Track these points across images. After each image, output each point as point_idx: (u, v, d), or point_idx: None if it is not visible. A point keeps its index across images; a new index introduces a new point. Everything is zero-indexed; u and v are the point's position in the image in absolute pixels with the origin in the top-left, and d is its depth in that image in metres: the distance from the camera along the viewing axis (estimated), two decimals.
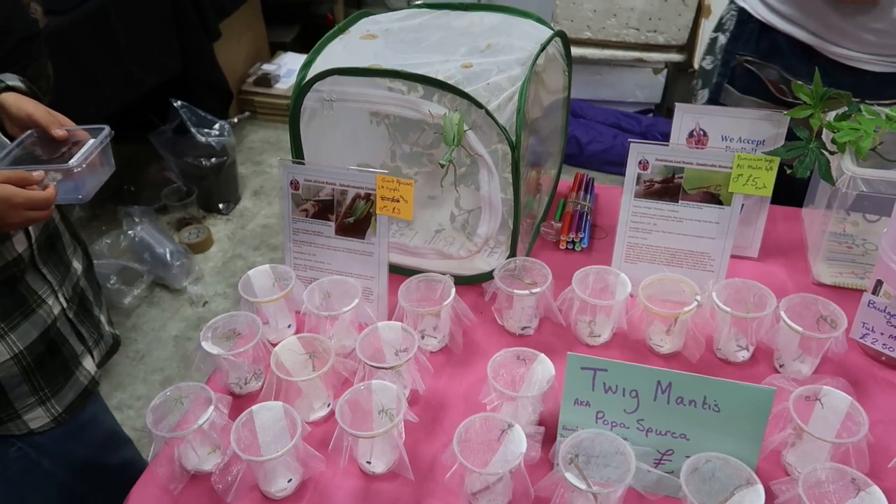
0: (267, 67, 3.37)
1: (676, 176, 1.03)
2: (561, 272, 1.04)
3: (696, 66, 1.34)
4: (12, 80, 1.03)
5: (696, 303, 0.95)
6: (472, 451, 0.79)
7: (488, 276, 1.07)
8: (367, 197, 1.02)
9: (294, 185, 1.05)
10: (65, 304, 1.07)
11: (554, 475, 0.76)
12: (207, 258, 2.66)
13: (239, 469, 0.82)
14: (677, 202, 1.04)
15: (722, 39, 1.30)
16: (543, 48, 1.07)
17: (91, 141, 1.00)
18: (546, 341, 1.04)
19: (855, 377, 0.95)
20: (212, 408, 0.85)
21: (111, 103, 2.45)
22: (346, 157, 1.17)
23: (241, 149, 3.08)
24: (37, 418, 1.02)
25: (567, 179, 1.38)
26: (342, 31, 1.14)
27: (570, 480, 0.73)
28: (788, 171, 1.02)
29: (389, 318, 1.02)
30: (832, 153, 1.02)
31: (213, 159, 2.72)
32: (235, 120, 3.10)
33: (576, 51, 2.96)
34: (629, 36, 2.86)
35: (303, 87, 1.02)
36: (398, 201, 1.00)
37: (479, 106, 0.95)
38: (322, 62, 1.05)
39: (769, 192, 1.00)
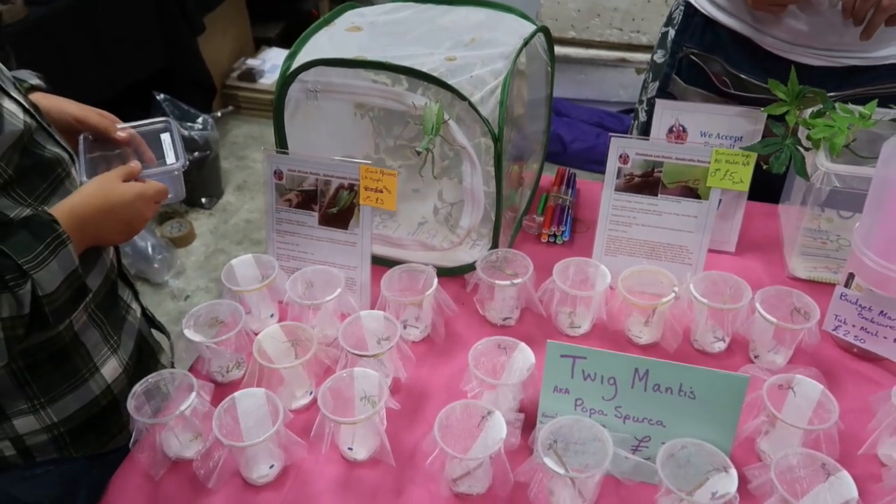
0: (251, 62, 3.36)
1: (656, 170, 1.05)
2: (542, 264, 1.05)
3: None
4: (31, 77, 1.00)
5: (673, 294, 0.97)
6: (452, 437, 0.80)
7: (471, 267, 1.08)
8: (351, 187, 1.03)
9: (278, 174, 1.06)
10: (142, 304, 1.08)
11: (533, 461, 0.78)
12: (189, 252, 2.64)
13: (220, 455, 0.82)
14: (657, 196, 1.06)
15: (671, 33, 1.32)
16: (526, 42, 1.08)
17: (166, 137, 0.99)
18: (527, 332, 1.05)
19: (827, 368, 0.97)
20: (193, 394, 0.85)
21: (92, 97, 2.42)
22: (329, 149, 1.17)
23: (224, 143, 3.07)
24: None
25: (550, 175, 1.40)
26: (327, 22, 1.15)
27: (548, 465, 0.75)
28: (765, 167, 1.04)
29: (372, 308, 1.03)
30: (807, 150, 1.04)
31: (196, 153, 2.71)
32: (219, 114, 3.08)
33: (560, 50, 2.99)
34: (612, 36, 2.89)
35: (287, 78, 1.03)
36: (381, 192, 1.01)
37: (463, 98, 0.97)
38: (307, 53, 1.06)
39: (746, 186, 1.02)
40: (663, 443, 0.78)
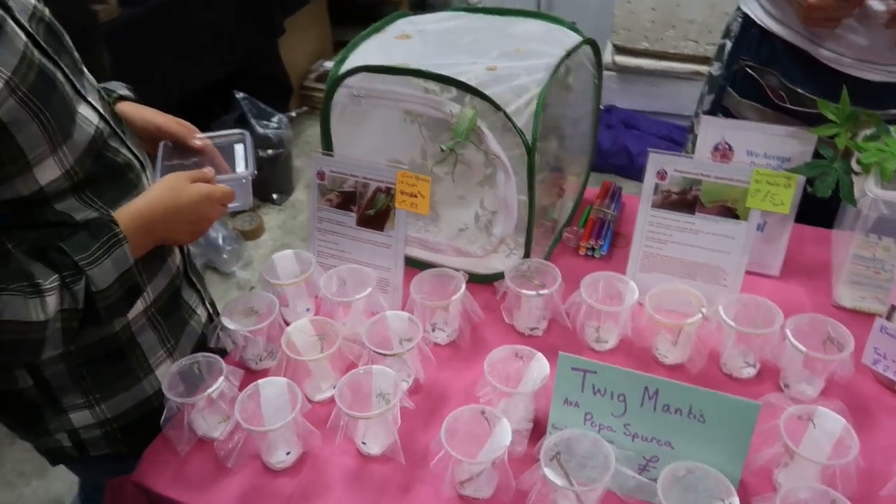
0: (328, 65, 3.47)
1: (694, 188, 1.03)
2: (577, 277, 1.05)
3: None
4: (121, 88, 1.07)
5: (700, 315, 0.96)
6: (460, 441, 0.82)
7: (503, 275, 1.09)
8: (388, 191, 1.06)
9: (321, 175, 1.10)
10: (210, 311, 1.13)
11: (535, 470, 0.78)
12: (258, 245, 2.76)
13: (240, 438, 0.87)
14: (694, 214, 1.04)
15: (728, 45, 1.29)
16: (569, 55, 1.09)
17: (239, 147, 1.06)
18: (553, 343, 1.06)
19: (862, 403, 0.93)
20: (222, 378, 0.90)
21: (176, 92, 2.58)
22: (378, 151, 1.21)
23: (297, 142, 3.19)
24: None
25: (597, 188, 1.39)
26: (378, 30, 1.19)
27: (547, 476, 0.75)
28: (810, 190, 1.01)
29: (403, 309, 1.06)
30: (857, 174, 1.00)
31: (270, 151, 2.82)
32: (294, 114, 3.20)
33: (632, 61, 2.95)
34: (687, 48, 2.82)
35: (334, 82, 1.07)
36: (416, 196, 1.04)
37: (498, 108, 0.98)
38: (354, 59, 1.10)
39: (787, 209, 0.99)
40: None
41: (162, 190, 0.93)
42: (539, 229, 1.19)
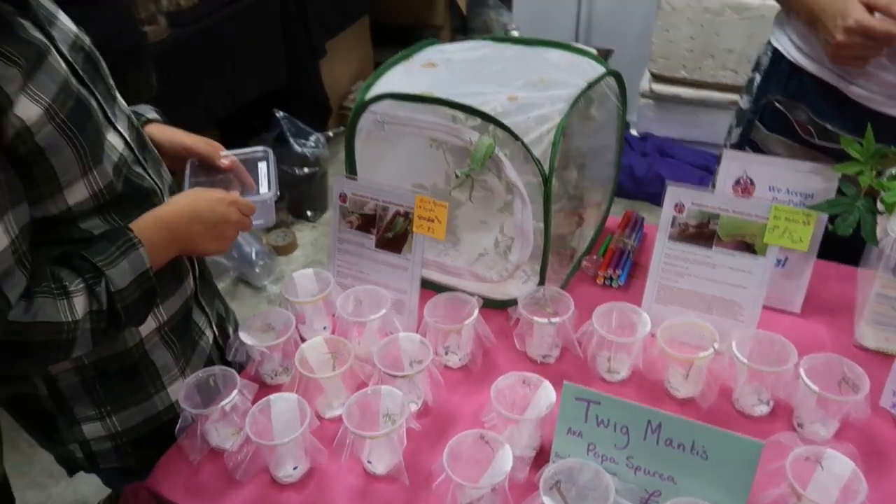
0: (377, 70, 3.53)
1: (712, 221, 1.03)
2: (594, 306, 1.05)
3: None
4: (150, 112, 1.13)
5: (712, 350, 0.95)
6: (463, 465, 0.83)
7: (517, 302, 1.10)
8: (406, 215, 1.08)
9: (343, 197, 1.13)
10: (216, 333, 1.16)
11: (535, 498, 0.79)
12: (290, 261, 2.81)
13: (249, 450, 0.89)
14: (711, 248, 1.04)
15: (757, 79, 1.28)
16: (590, 86, 1.10)
17: (262, 166, 1.11)
18: (564, 372, 1.06)
19: (878, 446, 0.91)
20: (235, 392, 0.93)
21: (219, 110, 2.66)
22: (403, 176, 1.23)
23: (333, 161, 3.25)
24: None
25: (620, 216, 1.39)
26: (405, 57, 1.22)
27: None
28: (830, 228, 0.99)
29: (418, 331, 1.07)
30: (880, 213, 0.99)
31: (307, 169, 2.89)
32: (331, 133, 3.27)
33: (669, 89, 2.94)
34: (726, 78, 2.80)
35: (358, 108, 1.11)
36: (433, 221, 1.06)
37: (516, 137, 1.00)
38: (380, 85, 1.13)
39: (805, 246, 0.98)
40: None
41: (180, 197, 0.98)
42: (557, 257, 1.20)
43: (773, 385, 0.94)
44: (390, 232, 1.11)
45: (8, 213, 0.78)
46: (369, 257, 1.14)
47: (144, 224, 0.92)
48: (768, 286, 1.03)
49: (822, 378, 0.90)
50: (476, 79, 1.14)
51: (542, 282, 1.13)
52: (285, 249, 2.82)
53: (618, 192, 2.97)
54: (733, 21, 2.69)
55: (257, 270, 2.61)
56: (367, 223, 1.12)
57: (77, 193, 0.86)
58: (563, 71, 1.16)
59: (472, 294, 1.09)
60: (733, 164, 1.13)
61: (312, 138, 2.91)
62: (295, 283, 1.13)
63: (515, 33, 3.05)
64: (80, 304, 0.84)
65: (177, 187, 1.09)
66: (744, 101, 1.34)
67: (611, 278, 1.22)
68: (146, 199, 0.97)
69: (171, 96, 2.19)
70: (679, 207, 1.05)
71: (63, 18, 0.93)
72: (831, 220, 1.01)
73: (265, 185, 1.11)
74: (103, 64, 0.97)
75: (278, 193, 1.10)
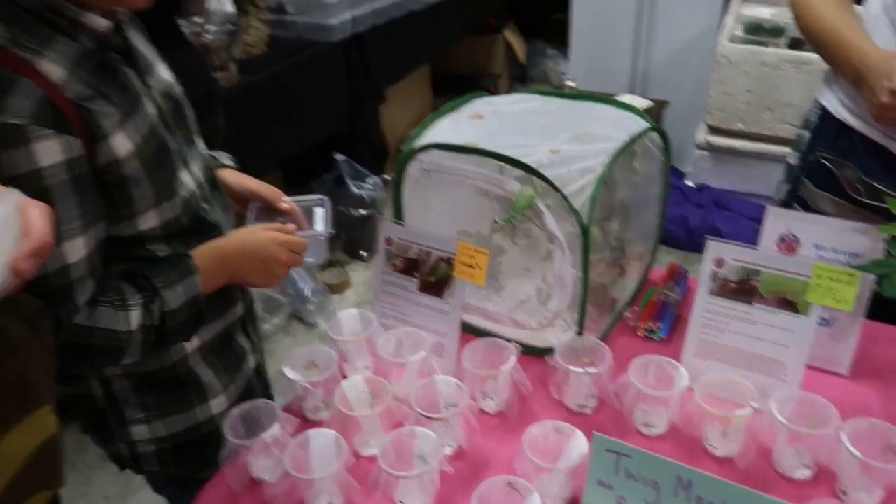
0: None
1: (753, 278, 1.03)
2: (633, 358, 1.05)
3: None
4: (225, 158, 1.25)
5: (750, 409, 0.94)
6: None
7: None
8: (448, 260, 1.12)
9: (388, 241, 1.18)
10: (259, 360, 1.26)
11: None
12: (343, 299, 2.88)
13: (287, 483, 0.92)
14: (752, 304, 1.03)
15: (806, 135, 1.28)
16: (632, 141, 1.12)
17: (319, 210, 1.20)
18: (601, 423, 1.06)
19: None
20: (277, 425, 0.97)
21: (283, 152, 2.79)
22: (449, 221, 1.27)
23: (389, 204, 3.33)
24: None
25: (664, 268, 1.39)
26: (454, 109, 1.27)
27: None
28: (876, 289, 0.98)
29: (456, 375, 1.10)
30: None
31: (363, 210, 2.98)
32: (388, 177, 3.36)
33: (725, 141, 2.93)
34: (784, 131, 2.77)
35: (406, 157, 1.16)
36: (474, 268, 1.09)
37: (556, 188, 1.03)
38: (429, 135, 1.18)
39: (850, 307, 0.96)
40: None
41: (237, 231, 1.08)
42: (598, 307, 1.21)
43: (815, 448, 0.92)
44: (433, 276, 1.14)
45: (90, 229, 0.89)
46: (412, 300, 1.17)
47: (202, 252, 1.02)
48: (812, 346, 1.02)
49: (867, 444, 0.87)
50: (521, 131, 1.18)
51: (580, 331, 1.14)
52: (339, 288, 2.89)
53: (671, 242, 2.97)
54: (792, 75, 2.68)
55: (311, 308, 2.69)
56: (410, 267, 1.16)
57: (149, 220, 0.97)
58: (607, 125, 1.18)
59: (511, 340, 1.10)
60: (777, 221, 1.12)
61: (370, 181, 3.00)
62: (339, 321, 1.17)
63: (572, 83, 3.09)
64: (135, 317, 0.94)
65: (238, 224, 1.18)
66: (792, 158, 1.34)
67: (652, 330, 1.22)
68: (209, 232, 1.07)
69: (239, 139, 2.32)
70: (719, 262, 1.05)
71: (160, 69, 1.05)
72: (880, 280, 0.99)
73: (320, 225, 1.19)
74: (189, 111, 1.09)
75: (332, 233, 1.18)
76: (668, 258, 2.95)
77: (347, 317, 1.18)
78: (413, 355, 1.08)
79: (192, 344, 1.08)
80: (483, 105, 1.29)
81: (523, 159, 1.06)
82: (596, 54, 3.58)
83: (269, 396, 1.36)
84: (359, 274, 3.01)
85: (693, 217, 2.92)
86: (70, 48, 0.86)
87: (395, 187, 1.21)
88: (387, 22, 3.13)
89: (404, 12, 3.23)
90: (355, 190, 2.97)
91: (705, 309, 1.07)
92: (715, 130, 2.97)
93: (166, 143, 0.98)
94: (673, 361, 1.04)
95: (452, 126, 1.21)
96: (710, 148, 3.00)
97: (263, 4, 2.65)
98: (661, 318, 1.22)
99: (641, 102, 3.12)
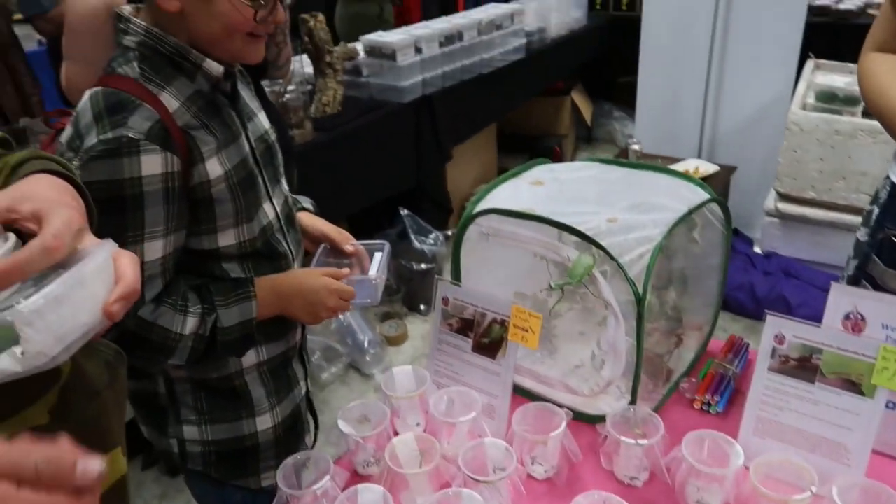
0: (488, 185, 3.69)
1: (814, 356, 1.00)
2: (688, 431, 1.03)
3: None
4: (306, 202, 1.38)
5: (809, 494, 0.90)
6: None
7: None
8: (503, 322, 1.13)
9: (445, 301, 1.20)
10: (307, 387, 1.34)
11: None
12: (400, 352, 2.91)
13: None
14: (813, 384, 1.00)
15: (875, 211, 1.25)
16: (691, 212, 1.13)
17: (378, 255, 1.29)
18: (650, 498, 1.04)
19: None
20: (327, 478, 0.99)
21: (352, 206, 2.89)
22: (506, 283, 1.29)
23: (449, 259, 3.38)
24: (271, 479, 1.25)
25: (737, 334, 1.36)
26: (515, 175, 1.31)
27: None
28: None
29: (505, 438, 1.10)
30: None
31: (424, 265, 3.03)
32: (450, 233, 3.42)
33: (796, 209, 2.86)
34: (858, 200, 2.69)
35: (466, 221, 1.19)
36: (527, 331, 1.10)
37: (611, 257, 1.04)
38: (488, 200, 1.22)
39: None
40: None
41: (296, 272, 1.19)
42: (653, 377, 1.19)
43: None
44: (486, 337, 1.16)
45: (170, 235, 1.01)
46: (465, 360, 1.19)
47: (262, 283, 1.13)
48: (880, 430, 0.97)
49: None
50: (580, 199, 1.20)
51: (633, 401, 1.12)
52: (396, 340, 2.93)
53: (737, 310, 2.89)
54: (867, 144, 2.61)
55: (368, 359, 2.73)
56: (465, 327, 1.18)
57: (227, 238, 1.09)
58: (666, 195, 1.19)
59: (562, 406, 1.10)
60: (843, 299, 1.09)
61: (432, 236, 3.06)
62: (394, 377, 1.19)
63: (637, 146, 3.10)
64: (191, 323, 1.04)
65: (306, 261, 1.28)
66: (861, 234, 1.31)
67: (709, 404, 1.19)
68: (278, 260, 1.18)
69: (310, 192, 2.41)
70: (779, 339, 1.03)
71: (261, 117, 1.19)
72: None
73: (375, 269, 1.26)
74: (279, 156, 1.22)
75: (384, 278, 1.25)
76: (733, 326, 2.87)
77: (402, 373, 1.20)
78: (464, 415, 1.09)
79: (251, 361, 1.18)
80: (543, 172, 1.32)
81: (580, 227, 1.07)
82: (663, 117, 3.59)
83: (315, 421, 1.42)
84: (416, 327, 3.04)
85: (760, 285, 2.85)
86: (187, 86, 1.03)
87: (455, 249, 1.24)
88: (456, 84, 3.25)
89: (473, 75, 3.35)
90: (417, 244, 3.03)
91: (765, 386, 1.04)
92: (785, 198, 2.91)
93: (254, 175, 1.11)
94: (729, 438, 1.02)
95: (512, 192, 1.24)
96: (780, 215, 2.93)
97: (340, 67, 2.79)
98: (718, 391, 1.20)
99: (709, 167, 3.09)
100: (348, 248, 1.28)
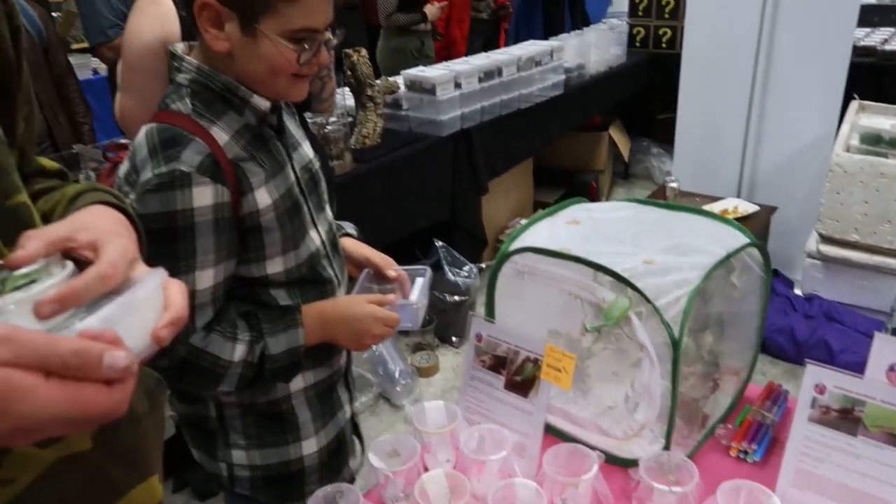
0: (524, 222, 3.70)
1: (857, 408, 0.98)
2: (724, 478, 1.01)
3: None
4: (350, 227, 1.41)
5: None
6: None
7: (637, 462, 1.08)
8: (536, 361, 1.13)
9: (478, 337, 1.21)
10: (353, 411, 1.36)
11: None
12: (430, 384, 2.91)
13: None
14: (856, 436, 0.98)
15: None
16: (729, 256, 1.12)
17: (419, 280, 1.32)
18: None
19: None
20: None
21: (387, 236, 2.91)
22: (539, 320, 1.29)
23: (483, 291, 3.38)
24: None
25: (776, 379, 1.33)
26: (551, 214, 1.31)
27: None
28: None
29: (536, 478, 1.09)
30: None
31: (457, 297, 3.03)
32: (484, 266, 3.42)
33: (839, 252, 2.80)
34: None
35: (501, 258, 1.20)
36: (560, 371, 1.09)
37: (647, 300, 1.03)
38: (525, 238, 1.22)
39: None
40: None
41: (343, 300, 1.21)
42: (688, 422, 1.17)
43: None
44: (519, 375, 1.15)
45: (221, 265, 1.05)
46: (497, 397, 1.19)
47: (309, 310, 1.15)
48: None
49: None
50: (616, 239, 1.20)
51: (667, 446, 1.11)
52: (427, 371, 2.93)
53: (776, 353, 2.83)
54: None
55: (398, 389, 2.72)
56: (498, 364, 1.18)
57: (275, 266, 1.12)
58: (703, 238, 1.18)
59: (594, 448, 1.09)
60: (886, 349, 1.07)
61: (466, 268, 3.07)
62: (425, 412, 1.19)
63: (675, 184, 3.09)
64: (240, 351, 1.07)
65: (350, 285, 1.30)
66: None
67: (746, 452, 1.16)
68: (323, 285, 1.20)
69: (347, 221, 2.45)
70: (820, 388, 1.00)
71: (305, 147, 1.22)
72: None
73: (416, 293, 1.28)
74: (323, 184, 1.26)
75: (426, 302, 1.27)
76: (772, 370, 2.80)
77: (433, 408, 1.20)
78: (495, 454, 1.08)
79: (298, 385, 1.20)
80: (580, 211, 1.32)
81: (616, 268, 1.07)
82: (702, 155, 3.57)
83: (362, 445, 1.43)
84: (448, 359, 3.04)
85: (801, 328, 2.78)
86: (236, 121, 1.07)
87: (489, 286, 1.25)
88: (494, 119, 3.28)
89: (511, 110, 3.38)
90: (451, 276, 3.04)
91: (804, 436, 1.02)
92: (827, 240, 2.85)
93: (300, 203, 1.14)
94: (766, 489, 0.99)
95: (548, 230, 1.25)
96: (822, 257, 2.87)
97: (381, 100, 2.85)
98: (756, 439, 1.17)
99: (748, 206, 3.05)
100: (391, 273, 1.30)
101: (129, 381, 0.50)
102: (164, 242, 0.99)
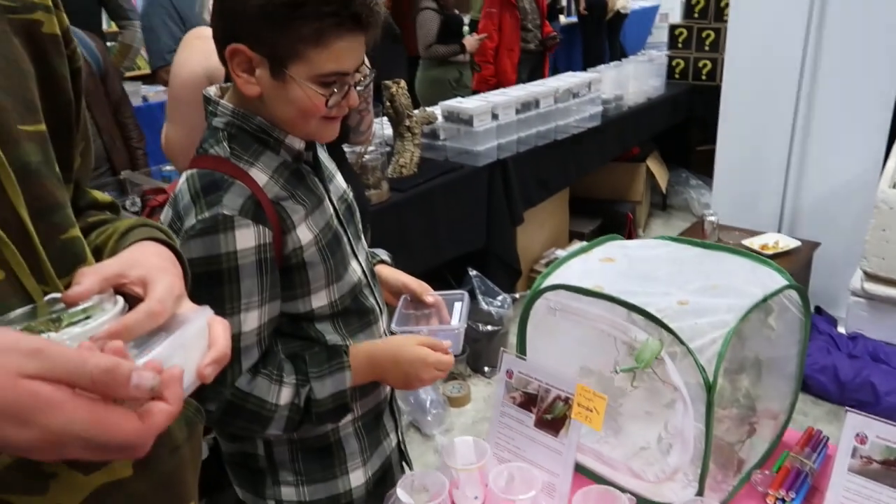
0: (559, 253, 3.68)
1: None
2: None
3: None
4: (384, 254, 1.42)
5: None
6: None
7: None
8: (566, 400, 1.12)
9: (509, 374, 1.20)
10: (400, 437, 1.35)
11: None
12: (461, 413, 2.89)
13: None
14: None
15: None
16: (766, 299, 1.10)
17: (458, 304, 1.34)
18: None
19: None
20: None
21: (422, 264, 2.93)
22: (571, 356, 1.29)
23: (517, 321, 3.36)
24: None
25: (801, 430, 1.30)
26: (586, 250, 1.31)
27: None
28: None
29: None
30: None
31: (489, 327, 3.02)
32: (518, 296, 3.41)
33: (885, 290, 2.73)
34: None
35: (534, 295, 1.20)
36: (591, 411, 1.08)
37: (681, 342, 1.02)
38: (558, 275, 1.22)
39: None
40: None
41: (394, 341, 1.19)
42: (722, 467, 1.15)
43: None
44: (550, 414, 1.15)
45: (265, 306, 1.05)
46: (527, 435, 1.18)
47: (357, 350, 1.14)
48: None
49: None
50: (650, 278, 1.19)
51: (700, 491, 1.08)
52: (459, 402, 2.91)
53: (819, 393, 2.75)
54: None
55: (429, 419, 2.71)
56: (528, 401, 1.18)
57: (320, 299, 1.12)
58: (740, 279, 1.17)
59: (625, 490, 1.07)
60: None
61: (499, 298, 3.06)
62: (454, 447, 1.19)
63: (713, 218, 3.04)
64: (286, 394, 1.06)
65: (390, 313, 1.30)
66: None
67: (783, 500, 1.13)
68: (366, 315, 1.20)
69: (383, 247, 2.48)
70: (861, 438, 0.97)
71: (339, 178, 1.24)
72: None
73: (456, 318, 1.29)
74: (357, 214, 1.27)
75: (466, 325, 1.26)
76: (814, 411, 2.71)
77: (462, 444, 1.20)
78: (524, 493, 1.07)
79: (346, 417, 1.18)
80: (615, 248, 1.32)
81: (650, 308, 1.06)
82: (742, 188, 3.52)
83: (410, 469, 1.41)
84: (479, 389, 3.02)
85: (845, 369, 2.70)
86: (273, 160, 1.08)
87: (521, 322, 1.24)
88: (530, 149, 3.29)
89: (548, 141, 3.39)
90: (484, 305, 3.03)
91: (844, 487, 0.99)
92: (872, 278, 2.77)
93: (339, 235, 1.15)
94: None
95: (582, 267, 1.24)
96: (867, 295, 2.79)
97: (419, 131, 2.89)
98: (794, 487, 1.13)
99: (789, 241, 2.99)
100: (428, 298, 1.30)
101: (158, 416, 0.51)
102: (210, 286, 1.00)
